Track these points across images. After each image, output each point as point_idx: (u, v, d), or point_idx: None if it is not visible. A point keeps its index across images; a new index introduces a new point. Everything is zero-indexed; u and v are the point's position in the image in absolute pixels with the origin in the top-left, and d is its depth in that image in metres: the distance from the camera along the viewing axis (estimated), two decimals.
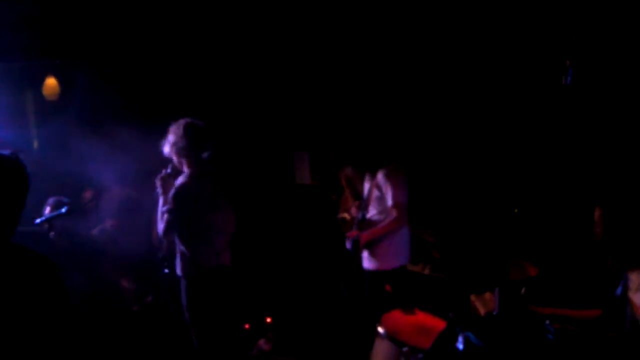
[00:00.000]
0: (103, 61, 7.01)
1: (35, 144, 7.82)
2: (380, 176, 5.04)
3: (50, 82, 7.53)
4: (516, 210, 5.17)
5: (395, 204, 4.92)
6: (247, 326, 6.22)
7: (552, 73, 4.01)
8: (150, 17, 6.57)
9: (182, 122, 4.87)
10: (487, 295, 4.29)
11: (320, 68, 6.63)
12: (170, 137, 4.86)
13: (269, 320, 6.34)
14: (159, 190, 4.95)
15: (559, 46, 3.92)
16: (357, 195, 5.61)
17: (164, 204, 4.89)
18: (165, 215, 4.78)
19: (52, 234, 5.41)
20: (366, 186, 5.23)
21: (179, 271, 4.92)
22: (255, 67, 6.91)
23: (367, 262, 5.17)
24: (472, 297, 4.48)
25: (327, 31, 6.35)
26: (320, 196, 6.74)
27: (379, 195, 5.04)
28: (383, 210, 5.05)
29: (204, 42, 6.81)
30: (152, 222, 5.48)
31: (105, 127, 6.65)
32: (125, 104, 6.89)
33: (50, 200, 5.66)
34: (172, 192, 4.78)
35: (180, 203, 4.74)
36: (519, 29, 5.27)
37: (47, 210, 5.58)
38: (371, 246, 5.09)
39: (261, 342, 6.07)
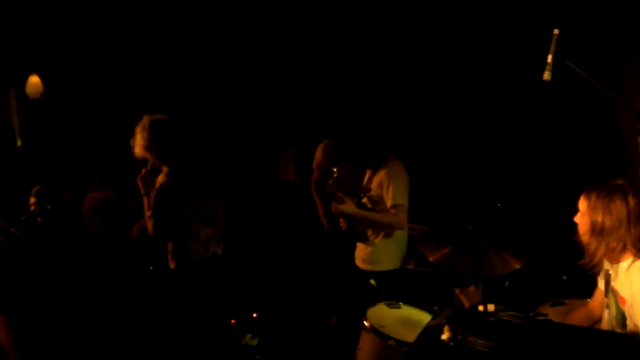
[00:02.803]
0: (86, 59, 6.99)
1: (19, 142, 7.81)
2: (382, 174, 4.73)
3: (34, 80, 7.50)
4: (499, 205, 5.21)
5: (395, 205, 4.65)
6: (233, 321, 6.23)
7: (533, 69, 4.03)
8: (136, 15, 6.57)
9: (146, 119, 4.81)
10: (471, 288, 4.34)
11: (306, 63, 6.65)
12: (138, 137, 4.82)
13: (255, 315, 6.35)
14: (142, 190, 4.96)
15: (539, 42, 3.95)
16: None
17: (149, 204, 4.89)
18: (151, 220, 4.80)
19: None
20: (365, 179, 4.96)
21: (170, 266, 4.95)
22: (240, 63, 6.92)
23: (361, 263, 4.96)
24: (457, 291, 4.52)
25: (313, 26, 6.37)
26: (303, 192, 6.76)
27: (378, 194, 4.74)
28: (381, 210, 4.75)
29: (190, 39, 6.82)
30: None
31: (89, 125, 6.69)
32: (109, 102, 6.88)
33: (35, 189, 5.63)
34: (152, 197, 4.78)
35: (162, 203, 4.74)
36: (501, 25, 5.32)
37: (32, 200, 5.56)
38: (366, 242, 4.89)
39: (247, 337, 6.08)
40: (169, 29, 6.79)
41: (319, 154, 6.01)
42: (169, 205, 4.76)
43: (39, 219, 5.50)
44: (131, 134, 4.98)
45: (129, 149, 5.25)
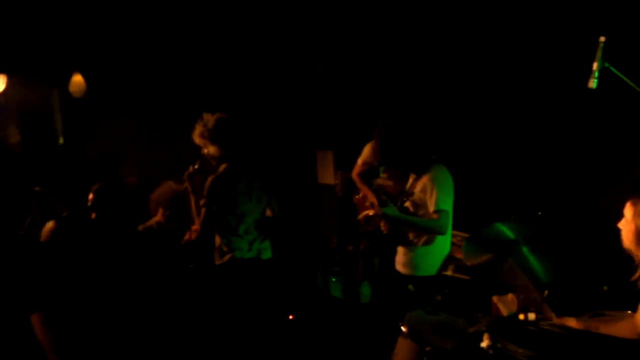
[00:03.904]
0: (131, 57, 7.06)
1: (61, 140, 7.92)
2: (426, 179, 4.67)
3: (77, 79, 7.61)
4: (540, 213, 5.16)
5: (438, 210, 4.57)
6: (291, 317, 6.24)
7: (578, 76, 4.00)
8: (176, 16, 6.63)
9: (213, 116, 4.95)
10: (510, 296, 4.30)
11: (347, 65, 6.64)
12: (202, 131, 4.94)
13: (291, 317, 6.36)
14: (189, 188, 5.05)
15: (585, 49, 3.92)
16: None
17: (195, 200, 4.98)
18: (203, 210, 4.85)
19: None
20: (409, 183, 4.91)
21: (215, 261, 5.00)
22: (280, 65, 6.94)
23: (401, 267, 4.91)
24: (495, 298, 4.49)
25: (354, 26, 6.36)
26: (342, 196, 6.75)
27: (421, 199, 4.69)
28: (424, 214, 4.68)
29: (230, 40, 6.86)
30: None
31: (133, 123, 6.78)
32: (150, 101, 6.94)
33: (94, 187, 5.71)
34: (207, 185, 4.85)
35: (216, 196, 4.81)
36: (545, 32, 5.27)
37: (91, 197, 5.64)
38: (407, 247, 4.85)
39: (286, 338, 6.09)
40: (207, 29, 6.84)
41: (367, 152, 5.97)
42: (222, 197, 4.82)
43: (93, 215, 5.58)
44: (173, 133, 5.09)
45: (172, 147, 5.34)
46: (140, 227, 6.11)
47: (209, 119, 4.93)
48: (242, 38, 6.92)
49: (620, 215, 3.25)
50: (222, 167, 4.94)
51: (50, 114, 7.86)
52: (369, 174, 5.55)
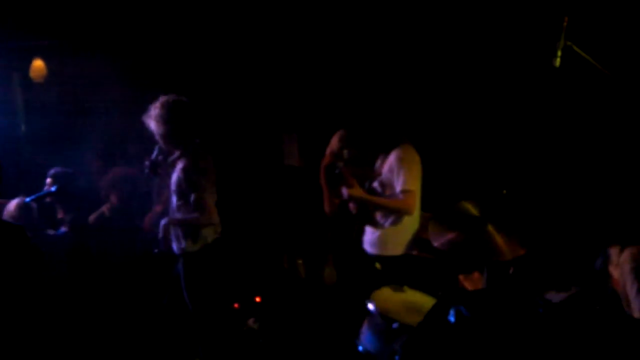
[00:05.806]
0: (92, 42, 6.96)
1: (23, 128, 7.79)
2: (392, 158, 4.69)
3: (37, 64, 7.50)
4: (504, 192, 5.20)
5: (404, 190, 4.58)
6: (236, 305, 6.23)
7: (542, 56, 4.05)
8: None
9: (169, 99, 4.86)
10: (476, 275, 4.35)
11: (313, 47, 6.62)
12: (158, 115, 4.84)
13: (258, 299, 6.35)
14: (153, 173, 5.01)
15: (549, 29, 3.96)
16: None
17: (160, 185, 4.94)
18: (193, 195, 4.77)
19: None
20: (377, 163, 4.93)
21: (177, 249, 4.95)
22: (245, 46, 6.90)
23: (368, 246, 4.94)
24: (461, 277, 4.53)
25: (322, 10, 6.34)
26: (308, 177, 6.73)
27: (389, 179, 4.71)
28: (392, 195, 4.70)
29: (193, 23, 6.80)
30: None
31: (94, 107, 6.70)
32: (114, 84, 6.85)
33: (52, 171, 5.64)
34: (181, 174, 4.77)
35: (196, 181, 4.76)
36: (510, 12, 5.30)
37: (48, 180, 5.59)
38: (375, 227, 4.87)
39: (250, 321, 6.08)
40: (173, 14, 6.76)
41: (335, 142, 5.97)
42: (200, 181, 4.78)
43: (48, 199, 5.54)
44: (135, 118, 5.02)
45: (132, 133, 5.27)
46: (91, 217, 6.06)
47: (162, 101, 4.85)
48: (209, 22, 6.85)
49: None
50: (182, 154, 4.88)
51: (11, 102, 7.71)
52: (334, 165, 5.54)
